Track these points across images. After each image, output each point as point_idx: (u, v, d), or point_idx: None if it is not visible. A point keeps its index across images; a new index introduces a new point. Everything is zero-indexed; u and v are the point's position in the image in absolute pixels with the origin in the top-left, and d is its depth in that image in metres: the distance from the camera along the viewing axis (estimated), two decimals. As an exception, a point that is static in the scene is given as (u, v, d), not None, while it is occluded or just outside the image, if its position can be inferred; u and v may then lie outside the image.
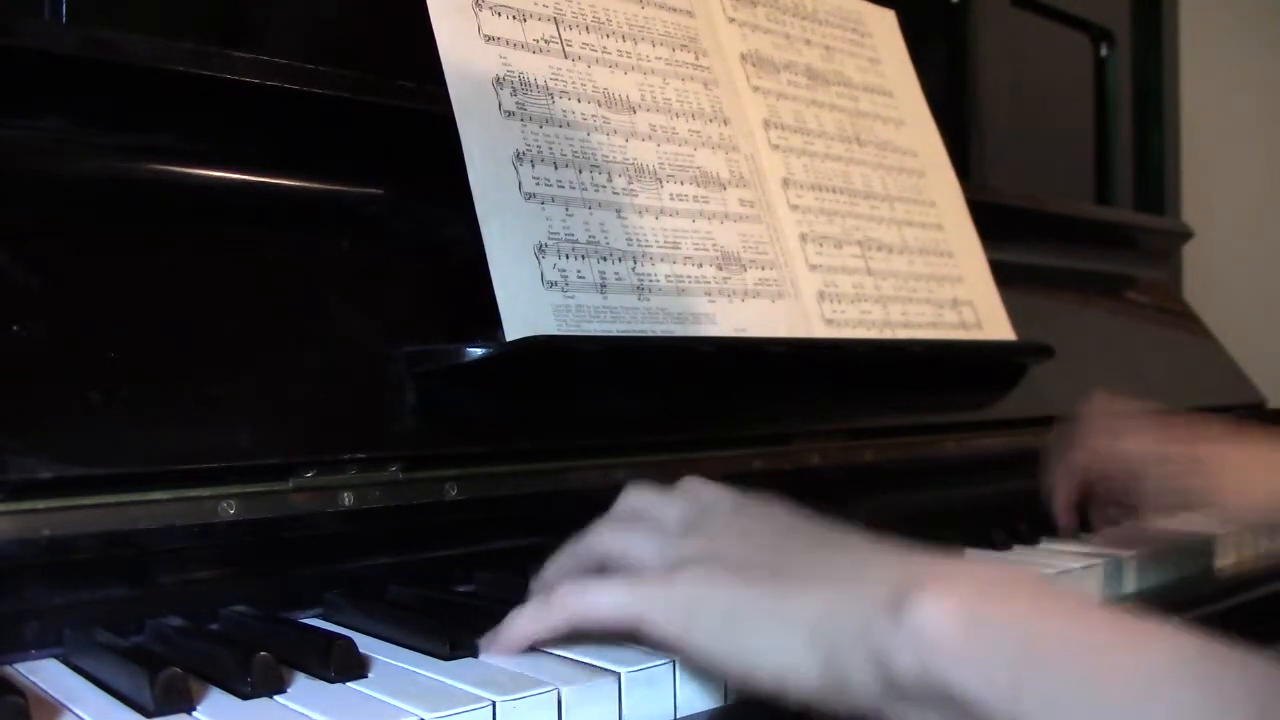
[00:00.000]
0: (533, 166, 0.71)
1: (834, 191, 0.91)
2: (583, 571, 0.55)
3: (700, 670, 0.52)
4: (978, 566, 0.46)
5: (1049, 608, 0.42)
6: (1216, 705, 0.37)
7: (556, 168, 0.72)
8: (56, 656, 0.55)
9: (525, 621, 0.53)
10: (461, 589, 0.69)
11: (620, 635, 0.52)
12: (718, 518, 0.54)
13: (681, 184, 0.79)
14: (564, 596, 0.52)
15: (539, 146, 0.72)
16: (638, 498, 0.58)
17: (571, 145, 0.74)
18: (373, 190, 0.72)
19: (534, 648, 0.54)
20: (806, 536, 0.52)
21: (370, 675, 0.50)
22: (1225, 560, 0.87)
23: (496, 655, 0.52)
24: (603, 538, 0.56)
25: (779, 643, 0.46)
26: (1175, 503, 0.82)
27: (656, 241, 0.76)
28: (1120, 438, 0.85)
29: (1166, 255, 1.46)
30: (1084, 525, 0.89)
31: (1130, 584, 0.79)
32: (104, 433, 0.54)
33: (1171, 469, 0.80)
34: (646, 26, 0.83)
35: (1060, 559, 0.78)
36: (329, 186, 0.70)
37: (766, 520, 0.54)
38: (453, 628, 0.53)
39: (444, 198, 0.69)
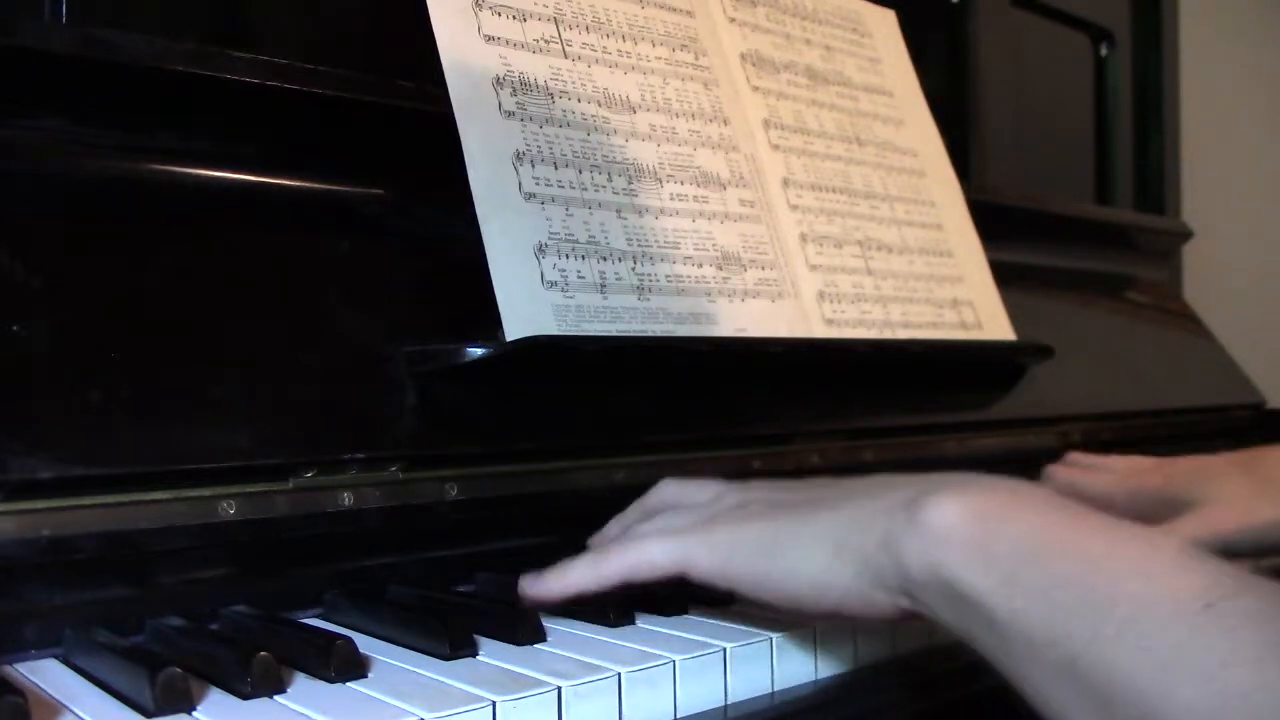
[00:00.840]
0: (533, 166, 0.71)
1: (834, 191, 0.91)
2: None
3: (700, 670, 0.52)
4: (992, 478, 0.48)
5: (1052, 512, 0.45)
6: (1179, 596, 0.39)
7: (556, 168, 0.72)
8: (56, 656, 0.55)
9: (579, 571, 0.56)
10: (461, 589, 0.69)
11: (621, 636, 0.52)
12: (749, 489, 0.59)
13: (681, 184, 0.79)
14: (617, 550, 0.55)
15: (539, 146, 0.72)
16: (670, 487, 0.62)
17: (571, 145, 0.74)
18: (373, 190, 0.72)
19: (534, 643, 0.54)
20: (832, 484, 0.56)
21: (370, 675, 0.50)
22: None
23: (540, 597, 0.56)
24: (663, 492, 0.61)
25: (811, 555, 0.50)
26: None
27: (656, 241, 0.76)
28: (1091, 475, 0.86)
29: (1166, 255, 1.46)
30: None
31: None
32: (104, 433, 0.54)
33: (1142, 502, 0.80)
34: (646, 26, 0.83)
35: None
36: (329, 186, 0.70)
37: (795, 484, 0.58)
38: (453, 628, 0.53)
39: (444, 198, 0.69)
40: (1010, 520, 0.44)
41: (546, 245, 0.70)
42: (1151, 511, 0.78)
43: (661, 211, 0.77)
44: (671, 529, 0.55)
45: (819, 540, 0.50)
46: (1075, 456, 0.90)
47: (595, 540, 0.62)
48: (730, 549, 0.52)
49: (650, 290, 0.74)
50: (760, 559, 0.51)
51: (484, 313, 0.67)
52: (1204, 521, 0.75)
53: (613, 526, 0.62)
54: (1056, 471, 0.89)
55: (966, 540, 0.44)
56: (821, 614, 0.52)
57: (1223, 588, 0.40)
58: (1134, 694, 0.39)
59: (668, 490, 0.62)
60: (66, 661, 0.54)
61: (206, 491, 0.57)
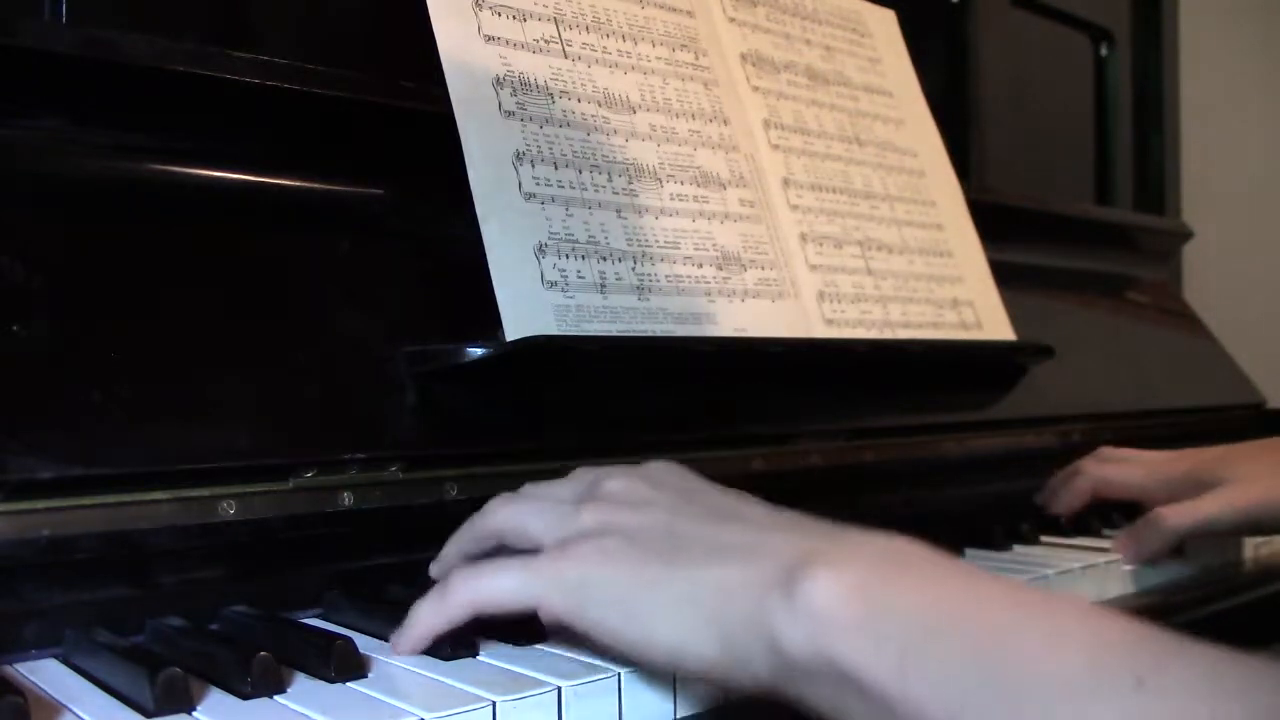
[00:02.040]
0: (533, 166, 0.71)
1: (834, 191, 0.91)
2: (480, 552, 0.56)
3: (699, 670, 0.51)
4: (873, 542, 0.44)
5: (945, 579, 0.42)
6: (1102, 674, 0.36)
7: (556, 168, 0.72)
8: (56, 656, 0.55)
9: (425, 616, 0.52)
10: (461, 589, 0.69)
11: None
12: (611, 484, 0.53)
13: (681, 184, 0.79)
14: (459, 585, 0.51)
15: (539, 146, 0.72)
16: (533, 483, 0.58)
17: (571, 145, 0.74)
18: (373, 190, 0.72)
19: (528, 643, 0.54)
20: (704, 504, 0.51)
21: (370, 675, 0.50)
22: (1259, 552, 0.87)
23: (404, 655, 0.52)
24: (496, 515, 0.56)
25: (673, 620, 0.45)
26: (1208, 528, 0.82)
27: (656, 241, 0.76)
28: (1122, 467, 0.87)
29: (1166, 255, 1.46)
30: (1080, 529, 0.89)
31: (1130, 584, 0.79)
32: (104, 433, 0.54)
33: (1175, 489, 0.81)
34: (646, 26, 0.83)
35: (1060, 559, 0.78)
36: (329, 186, 0.70)
37: (662, 486, 0.53)
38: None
39: (444, 198, 0.69)
40: (899, 593, 0.41)
41: (546, 245, 0.70)
42: (1181, 494, 0.80)
43: (661, 211, 0.77)
44: (518, 562, 0.51)
45: (683, 606, 0.45)
46: (1106, 451, 0.90)
47: (439, 557, 0.59)
48: (583, 595, 0.48)
49: (650, 290, 0.74)
50: (617, 611, 0.47)
51: (484, 313, 0.67)
52: (1227, 498, 0.77)
53: (457, 539, 0.58)
54: (1087, 465, 0.90)
55: (851, 620, 0.40)
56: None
57: (1147, 658, 0.36)
58: None
59: (530, 484, 0.57)
60: (66, 661, 0.54)
61: (206, 491, 0.57)
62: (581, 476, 0.56)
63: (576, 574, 0.48)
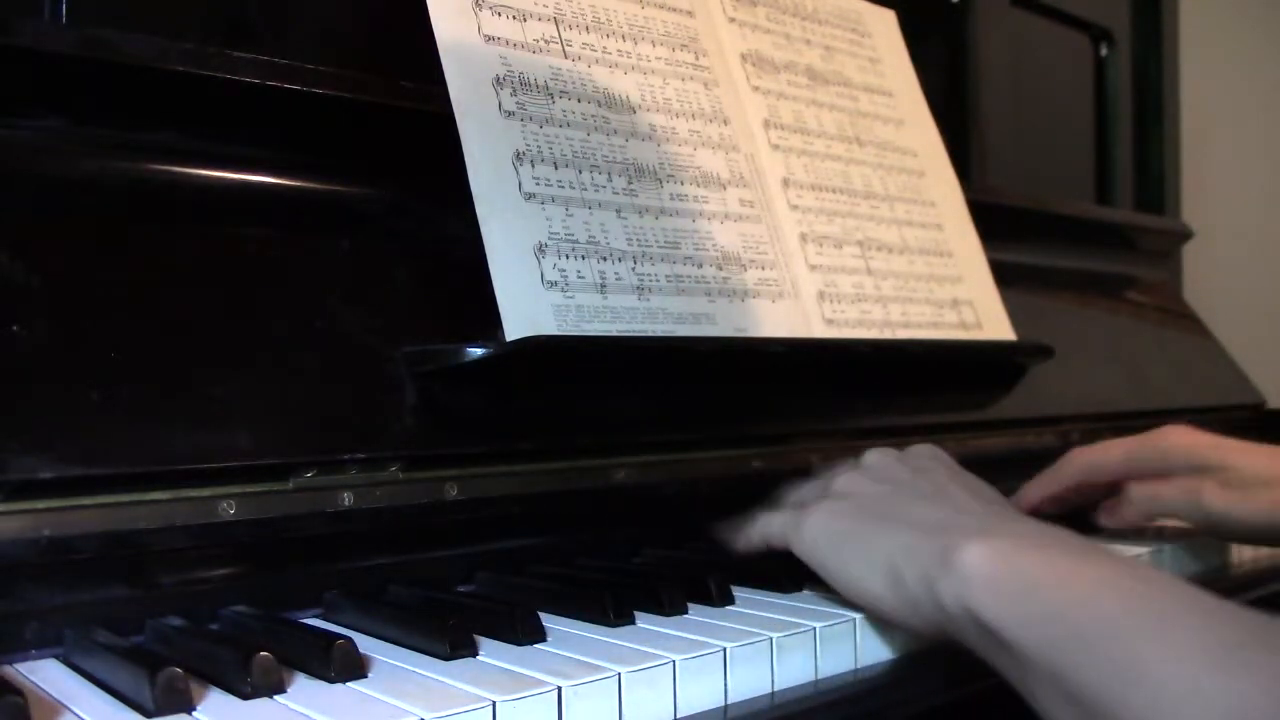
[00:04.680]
0: (533, 166, 0.71)
1: (834, 191, 0.91)
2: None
3: (700, 670, 0.52)
4: (1029, 523, 0.58)
5: (1073, 556, 0.51)
6: (1216, 645, 0.44)
7: (556, 168, 0.72)
8: (56, 656, 0.55)
9: (741, 539, 0.69)
10: (461, 589, 0.69)
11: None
12: (872, 457, 0.69)
13: (681, 184, 0.79)
14: (756, 523, 0.68)
15: (539, 146, 0.72)
16: (831, 470, 0.70)
17: (571, 145, 0.74)
18: (373, 190, 0.72)
19: (534, 643, 0.54)
20: (932, 483, 0.65)
21: (370, 675, 0.50)
22: (1240, 556, 0.87)
23: (738, 550, 0.69)
24: (801, 488, 0.70)
25: (866, 573, 0.58)
26: (1161, 510, 0.83)
27: (656, 241, 0.76)
28: (1097, 450, 0.87)
29: (1166, 255, 1.46)
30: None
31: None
32: (104, 433, 0.54)
33: (1151, 466, 0.83)
34: (646, 26, 0.83)
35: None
36: (329, 186, 0.70)
37: (912, 468, 0.67)
38: (453, 628, 0.53)
39: (444, 198, 0.69)
40: (1023, 560, 0.51)
41: (546, 245, 0.70)
42: (1172, 468, 0.82)
43: (661, 211, 0.77)
44: (786, 511, 0.66)
45: (873, 562, 0.58)
46: (1079, 449, 0.91)
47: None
48: (813, 541, 0.62)
49: (650, 290, 0.74)
50: (831, 559, 0.61)
51: (484, 313, 0.67)
52: (1193, 493, 0.80)
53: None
54: (1072, 460, 0.89)
55: (986, 579, 0.51)
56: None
57: (1248, 632, 0.44)
58: (1104, 702, 0.45)
59: (867, 456, 0.71)
60: (66, 661, 0.54)
61: (206, 491, 0.57)
62: (895, 458, 0.70)
63: (812, 525, 0.62)
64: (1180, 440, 0.83)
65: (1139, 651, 0.45)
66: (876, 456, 0.70)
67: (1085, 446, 0.89)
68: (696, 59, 0.85)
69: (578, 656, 0.52)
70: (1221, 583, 0.82)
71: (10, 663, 0.53)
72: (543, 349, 0.66)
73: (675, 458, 0.75)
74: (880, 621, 0.60)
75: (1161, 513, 0.83)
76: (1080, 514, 0.88)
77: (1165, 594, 0.47)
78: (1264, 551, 0.89)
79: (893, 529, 0.59)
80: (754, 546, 0.68)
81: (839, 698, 0.56)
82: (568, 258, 0.71)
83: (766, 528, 0.67)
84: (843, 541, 0.61)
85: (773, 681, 0.55)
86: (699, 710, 0.52)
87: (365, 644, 0.54)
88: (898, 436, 0.91)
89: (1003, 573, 0.51)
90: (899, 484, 0.65)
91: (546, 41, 0.76)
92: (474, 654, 0.53)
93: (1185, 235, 1.48)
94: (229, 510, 0.57)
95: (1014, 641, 0.49)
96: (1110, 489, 0.86)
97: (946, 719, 0.58)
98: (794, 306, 0.83)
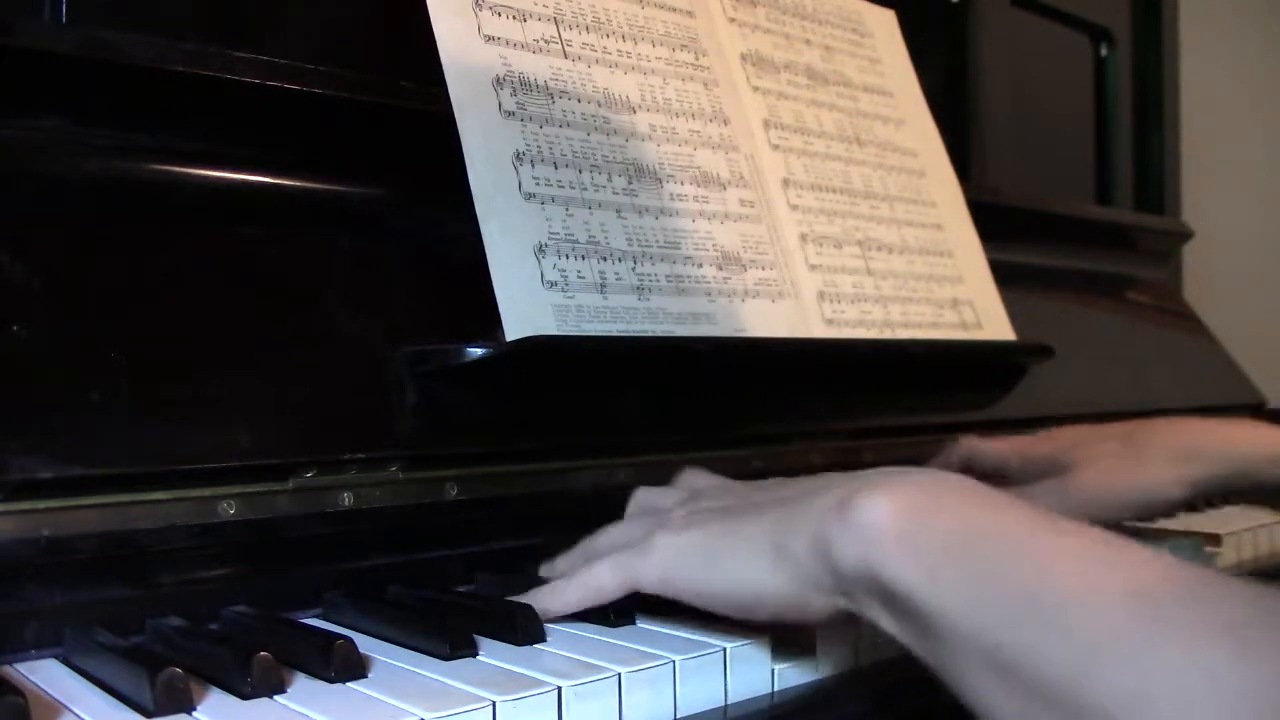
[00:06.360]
0: (533, 166, 0.71)
1: (834, 191, 0.91)
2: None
3: (700, 670, 0.52)
4: (922, 473, 0.49)
5: (979, 502, 0.45)
6: (1217, 623, 0.37)
7: (556, 168, 0.72)
8: (56, 656, 0.55)
9: (547, 602, 0.57)
10: (461, 589, 0.69)
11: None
12: (704, 491, 0.61)
13: (681, 184, 0.79)
14: (574, 580, 0.58)
15: (539, 146, 0.72)
16: (642, 495, 0.64)
17: (571, 145, 0.74)
18: (373, 190, 0.72)
19: (534, 643, 0.54)
20: (775, 485, 0.57)
21: (370, 675, 0.50)
22: (1225, 560, 0.87)
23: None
24: (607, 532, 0.62)
25: (748, 562, 0.50)
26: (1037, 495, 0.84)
27: (656, 241, 0.76)
28: (986, 443, 0.90)
29: (1166, 255, 1.46)
30: None
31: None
32: (104, 433, 0.54)
33: (1033, 468, 0.85)
34: (646, 26, 0.83)
35: None
36: (329, 186, 0.70)
37: (750, 485, 0.60)
38: (453, 628, 0.53)
39: (444, 198, 0.69)
40: (937, 512, 0.44)
41: (546, 245, 0.70)
42: (1042, 474, 0.84)
43: (661, 211, 0.77)
44: (615, 548, 0.57)
45: (754, 547, 0.50)
46: (968, 437, 0.93)
47: (544, 569, 0.65)
48: (669, 561, 0.53)
49: (650, 290, 0.74)
50: (699, 569, 0.52)
51: (484, 313, 0.67)
52: (1077, 482, 0.81)
53: (575, 552, 0.64)
54: (960, 444, 0.91)
55: (895, 535, 0.44)
56: (764, 621, 0.52)
57: (1154, 576, 0.39)
58: (1057, 680, 0.38)
59: (639, 497, 0.64)
60: (66, 661, 0.54)
61: (206, 491, 0.57)
62: (677, 490, 0.63)
63: (663, 546, 0.54)
64: (1058, 444, 0.85)
65: (1126, 633, 0.37)
66: (699, 479, 0.64)
67: (976, 439, 0.91)
68: (696, 59, 0.85)
69: (578, 656, 0.52)
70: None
71: (10, 663, 0.53)
72: (543, 349, 0.66)
73: (675, 458, 0.75)
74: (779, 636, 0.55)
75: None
76: None
77: (1133, 558, 0.40)
78: (1247, 554, 0.89)
79: (765, 512, 0.51)
80: (578, 606, 0.57)
81: (837, 694, 0.56)
82: (568, 258, 0.71)
83: (593, 579, 0.56)
84: (711, 543, 0.52)
85: (773, 681, 0.55)
86: (699, 710, 0.52)
87: (365, 644, 0.54)
88: (898, 436, 0.91)
89: (912, 524, 0.44)
90: (744, 493, 0.58)
91: (546, 41, 0.76)
92: (474, 654, 0.53)
93: (1185, 235, 1.48)
94: (229, 510, 0.57)
95: (934, 611, 0.42)
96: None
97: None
98: (794, 306, 0.83)
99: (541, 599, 0.57)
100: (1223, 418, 0.89)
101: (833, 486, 0.49)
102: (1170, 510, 0.85)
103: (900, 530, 0.44)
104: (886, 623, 0.45)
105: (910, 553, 0.43)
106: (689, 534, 0.54)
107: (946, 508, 0.44)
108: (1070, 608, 0.39)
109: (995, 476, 0.86)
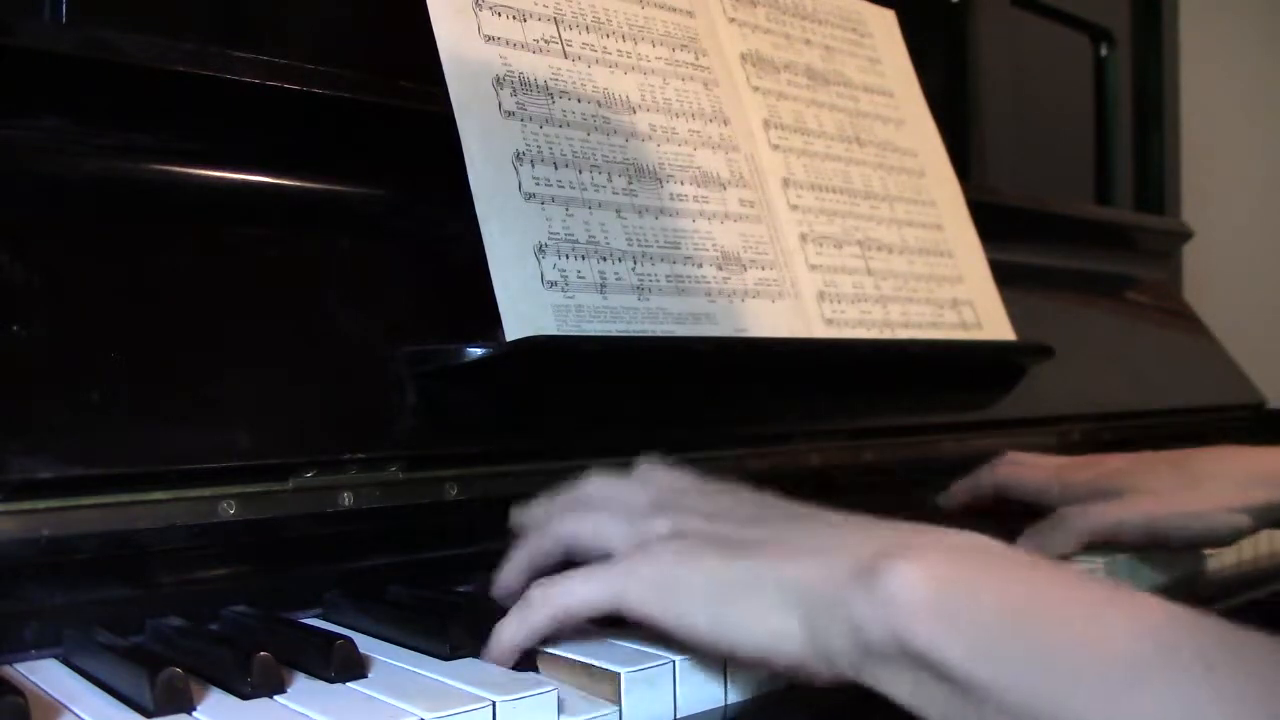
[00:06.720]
0: (533, 166, 0.71)
1: (834, 191, 0.91)
2: (546, 565, 0.57)
3: (700, 669, 0.52)
4: (950, 535, 0.47)
5: (1020, 574, 0.43)
6: (1172, 658, 0.37)
7: (556, 168, 0.72)
8: (56, 656, 0.55)
9: (509, 633, 0.52)
10: (461, 589, 0.69)
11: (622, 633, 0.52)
12: (684, 497, 0.56)
13: (681, 184, 0.79)
14: (539, 598, 0.52)
15: (539, 146, 0.72)
16: (598, 485, 0.59)
17: (571, 145, 0.74)
18: (373, 190, 0.72)
19: (531, 650, 0.54)
20: (776, 510, 0.53)
21: (370, 675, 0.50)
22: (1224, 561, 0.87)
23: (499, 663, 0.52)
24: (565, 525, 0.57)
25: (761, 614, 0.47)
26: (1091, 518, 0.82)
27: (656, 241, 0.76)
28: (1027, 469, 0.86)
29: (1166, 255, 1.46)
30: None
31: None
32: (104, 433, 0.54)
33: (1074, 498, 0.80)
34: (646, 26, 0.83)
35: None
36: (329, 186, 0.70)
37: (731, 497, 0.55)
38: (453, 628, 0.53)
39: (444, 198, 0.69)
40: (973, 581, 0.42)
41: (546, 245, 0.70)
42: (1083, 501, 0.79)
43: (661, 211, 0.77)
44: (599, 565, 0.52)
45: (764, 603, 0.47)
46: (1012, 455, 0.89)
47: (498, 582, 0.59)
48: (670, 591, 0.49)
49: (650, 290, 0.74)
50: (705, 608, 0.48)
51: (484, 313, 0.67)
52: (1134, 506, 0.76)
53: (537, 509, 0.59)
54: (995, 469, 0.88)
55: (930, 609, 0.42)
56: (749, 665, 0.50)
57: (1214, 644, 0.38)
58: None
59: (594, 486, 0.59)
60: (66, 661, 0.54)
61: (206, 491, 0.57)
62: (645, 485, 0.57)
63: (663, 571, 0.49)
64: (1102, 471, 0.81)
65: (1177, 700, 0.37)
66: (670, 478, 0.58)
67: (1003, 462, 0.87)
68: (696, 59, 0.85)
69: (578, 657, 0.52)
70: (1198, 588, 0.82)
71: (10, 663, 0.53)
72: (543, 349, 0.66)
73: (675, 457, 0.75)
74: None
75: (1111, 536, 0.76)
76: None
77: (1175, 624, 0.40)
78: (1212, 565, 0.88)
79: (779, 562, 0.47)
80: (537, 631, 0.52)
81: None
82: (568, 258, 0.71)
83: (571, 599, 0.51)
84: (720, 585, 0.48)
85: (773, 681, 0.55)
86: (700, 710, 0.52)
87: (365, 644, 0.54)
88: (898, 436, 0.91)
89: (955, 599, 0.42)
90: (740, 511, 0.53)
91: (546, 41, 0.76)
92: (474, 654, 0.53)
93: (1185, 235, 1.48)
94: (229, 510, 0.58)
95: (980, 686, 0.40)
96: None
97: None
98: (794, 306, 0.83)
99: (509, 628, 0.52)
100: (1261, 446, 0.86)
101: (845, 541, 0.47)
102: (1235, 540, 0.80)
103: (931, 600, 0.42)
104: (909, 696, 0.43)
105: (945, 624, 0.42)
106: (697, 564, 0.49)
107: (979, 575, 0.43)
108: (1122, 684, 0.38)
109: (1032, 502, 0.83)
